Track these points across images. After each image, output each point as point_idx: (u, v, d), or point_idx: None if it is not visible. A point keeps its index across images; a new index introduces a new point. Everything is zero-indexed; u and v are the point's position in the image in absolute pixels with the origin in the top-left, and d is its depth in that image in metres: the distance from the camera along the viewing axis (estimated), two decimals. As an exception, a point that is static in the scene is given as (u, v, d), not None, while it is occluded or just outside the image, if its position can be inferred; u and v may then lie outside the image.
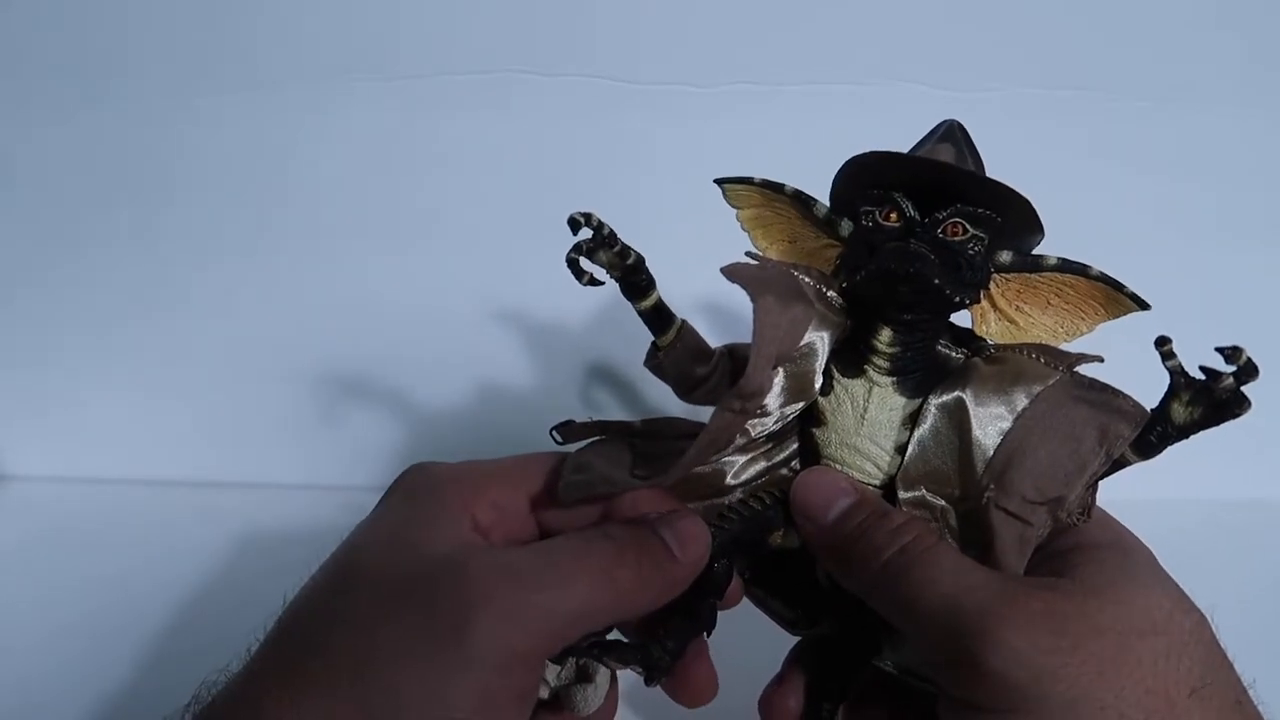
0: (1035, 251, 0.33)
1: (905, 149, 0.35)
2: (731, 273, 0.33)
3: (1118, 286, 0.32)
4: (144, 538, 0.64)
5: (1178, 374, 0.30)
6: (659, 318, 0.33)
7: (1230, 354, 0.28)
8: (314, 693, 0.27)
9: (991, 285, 0.33)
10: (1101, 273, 0.32)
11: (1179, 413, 0.30)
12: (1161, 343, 0.29)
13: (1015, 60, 0.61)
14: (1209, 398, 0.29)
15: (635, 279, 0.32)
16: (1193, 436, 0.30)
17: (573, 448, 0.36)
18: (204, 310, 0.66)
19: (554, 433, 0.35)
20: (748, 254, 0.36)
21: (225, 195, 0.64)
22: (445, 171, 0.63)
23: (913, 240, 0.31)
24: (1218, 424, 0.29)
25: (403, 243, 0.65)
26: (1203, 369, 0.29)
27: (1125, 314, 0.32)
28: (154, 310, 0.66)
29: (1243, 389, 0.28)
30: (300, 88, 0.61)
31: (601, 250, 0.31)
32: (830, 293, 0.35)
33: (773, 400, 0.33)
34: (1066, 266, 0.33)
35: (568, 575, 0.30)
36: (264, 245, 0.65)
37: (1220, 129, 0.63)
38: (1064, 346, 0.34)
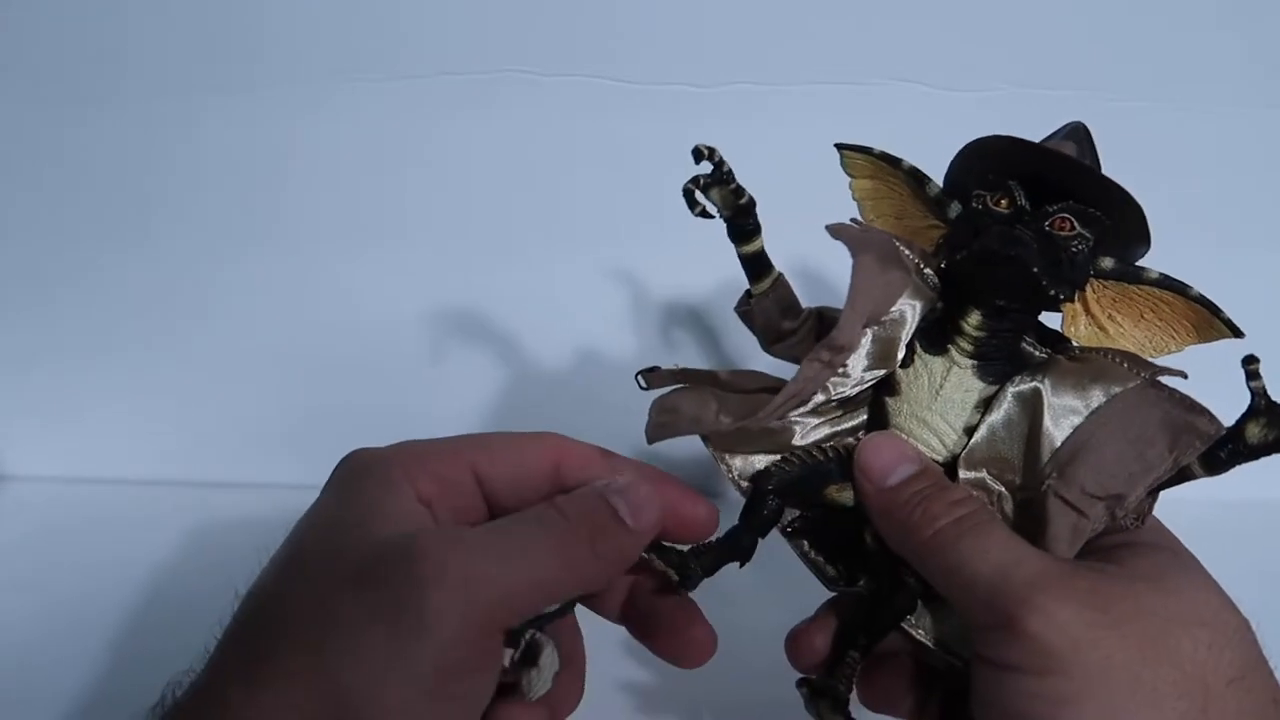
0: (1138, 263, 0.34)
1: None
2: (837, 230, 0.33)
3: (1215, 311, 0.32)
4: (144, 538, 0.64)
5: (1260, 395, 0.30)
6: (758, 264, 0.34)
7: None
8: (276, 678, 0.27)
9: (1088, 289, 0.33)
10: (1201, 295, 0.32)
11: (1254, 433, 0.30)
12: (1249, 361, 0.30)
13: (1015, 60, 0.61)
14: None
15: (744, 221, 0.33)
16: (1262, 459, 0.30)
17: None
18: (204, 310, 0.66)
19: (639, 377, 0.36)
20: (853, 220, 0.36)
21: (225, 196, 0.64)
22: (445, 171, 0.63)
23: (1019, 226, 0.31)
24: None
25: (403, 242, 0.65)
26: None
27: (1216, 339, 0.32)
28: (154, 310, 0.66)
29: None
30: (299, 88, 0.61)
31: (718, 187, 0.32)
32: (927, 270, 0.35)
33: (856, 362, 0.34)
34: (1167, 283, 0.33)
35: (520, 549, 0.30)
36: (263, 246, 0.65)
37: (1220, 129, 0.63)
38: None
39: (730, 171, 0.32)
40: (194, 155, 0.63)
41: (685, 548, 0.35)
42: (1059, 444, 0.32)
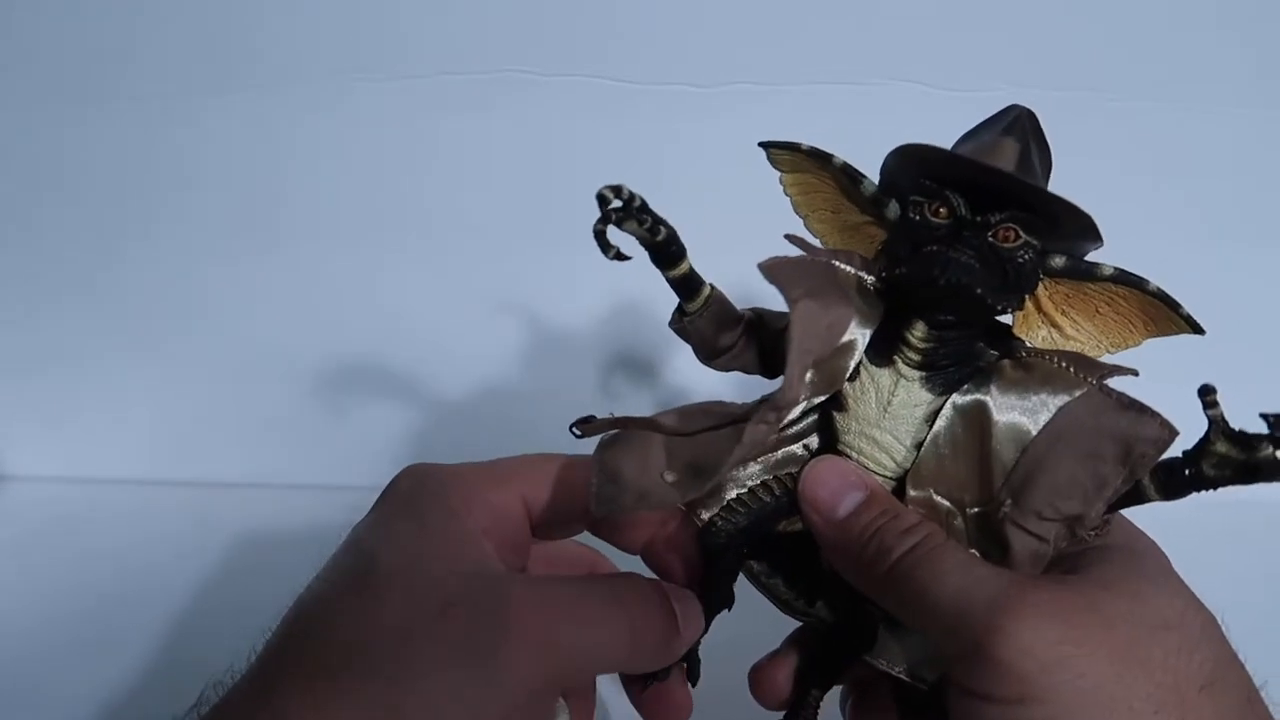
0: (1090, 259, 0.32)
1: (892, 148, 0.35)
2: (770, 270, 0.31)
3: (1174, 306, 0.31)
4: (144, 538, 0.64)
5: (1216, 423, 0.28)
6: (689, 285, 0.32)
7: (1275, 421, 0.27)
8: (342, 697, 0.26)
9: (1040, 288, 0.32)
10: (1159, 289, 0.31)
11: (1210, 466, 0.28)
12: (1205, 392, 0.28)
13: (1015, 60, 0.61)
14: (1244, 459, 0.28)
15: (667, 250, 0.31)
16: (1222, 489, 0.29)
17: (588, 445, 0.35)
18: (204, 311, 0.66)
19: (574, 429, 0.34)
20: (787, 237, 0.34)
21: (226, 196, 0.64)
22: (445, 171, 0.63)
23: (959, 245, 0.30)
24: (1249, 484, 0.28)
25: (403, 242, 0.65)
26: (1241, 432, 0.28)
27: (1175, 334, 0.31)
28: (154, 311, 0.66)
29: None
30: (299, 88, 0.61)
31: (631, 221, 0.30)
32: (869, 277, 0.33)
33: (803, 393, 0.33)
34: (1123, 278, 0.31)
35: (599, 618, 0.30)
36: (264, 245, 0.65)
37: (1221, 129, 0.63)
38: (1105, 358, 0.33)
39: (644, 204, 0.30)
40: (196, 156, 0.63)
41: None
42: (1010, 466, 0.31)
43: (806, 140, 0.34)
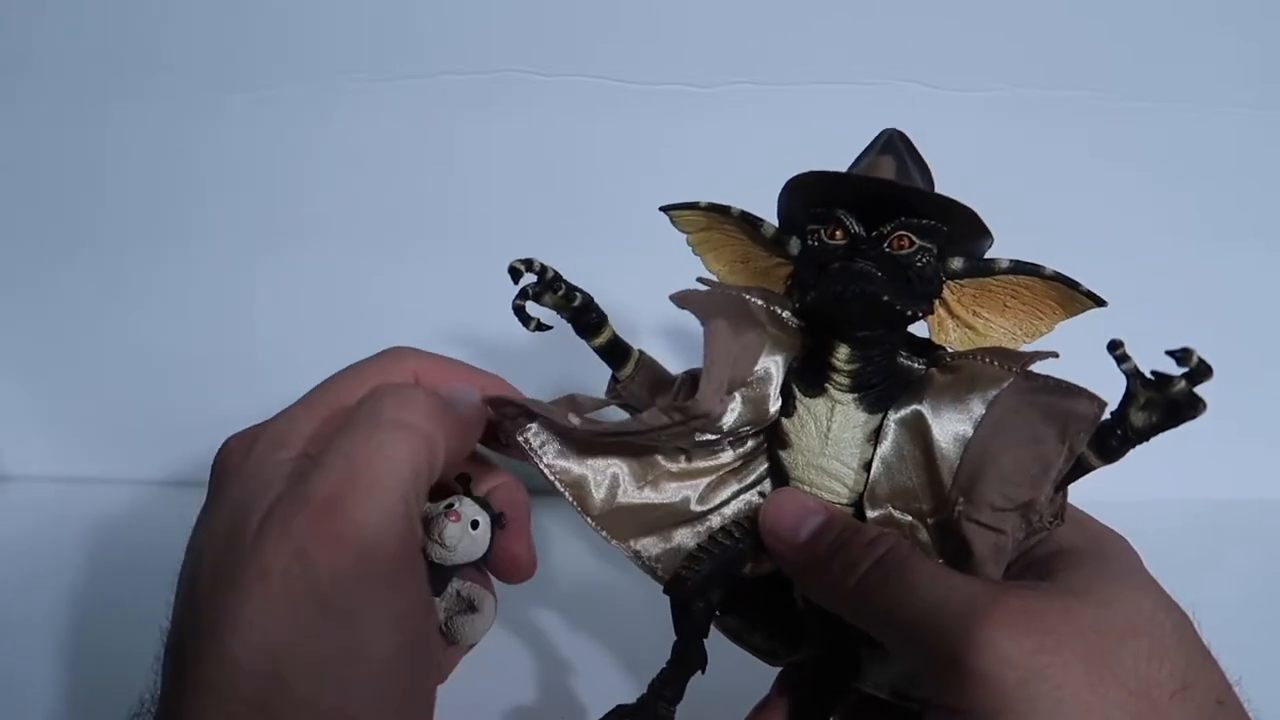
0: (987, 256, 0.33)
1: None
2: (682, 299, 0.33)
3: (1073, 285, 0.32)
4: (144, 538, 0.64)
5: (1133, 377, 0.29)
6: (615, 351, 0.34)
7: (1181, 356, 0.28)
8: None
9: (946, 293, 0.33)
10: (1055, 272, 0.32)
11: (1137, 416, 0.29)
12: (1114, 346, 0.29)
13: (1015, 60, 0.61)
14: (1163, 401, 0.29)
15: (585, 318, 0.33)
16: (1155, 439, 0.29)
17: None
18: (205, 310, 0.66)
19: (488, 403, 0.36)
20: (700, 280, 0.35)
21: (226, 195, 0.64)
22: (445, 171, 0.63)
23: (858, 258, 0.31)
24: (1176, 425, 0.29)
25: (403, 242, 0.65)
26: (1154, 373, 0.28)
27: (1083, 311, 0.32)
28: (155, 310, 0.66)
29: (1196, 390, 0.28)
30: (299, 88, 0.61)
31: (547, 294, 0.32)
32: (785, 313, 0.34)
33: (726, 420, 0.33)
34: (1019, 268, 0.32)
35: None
36: (265, 245, 0.65)
37: (1220, 129, 0.63)
38: (1024, 347, 0.33)
39: (556, 275, 0.32)
40: (197, 156, 0.63)
41: (645, 694, 0.34)
42: (956, 464, 0.31)
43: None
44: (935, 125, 0.63)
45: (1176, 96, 0.62)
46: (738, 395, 0.33)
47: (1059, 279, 0.32)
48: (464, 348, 0.66)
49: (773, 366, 0.33)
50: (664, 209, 0.35)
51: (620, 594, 0.57)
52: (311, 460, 0.31)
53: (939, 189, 0.33)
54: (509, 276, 0.31)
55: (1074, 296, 0.32)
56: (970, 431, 0.31)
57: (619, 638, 0.53)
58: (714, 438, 0.34)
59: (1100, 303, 0.31)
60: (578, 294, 0.32)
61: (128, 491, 0.69)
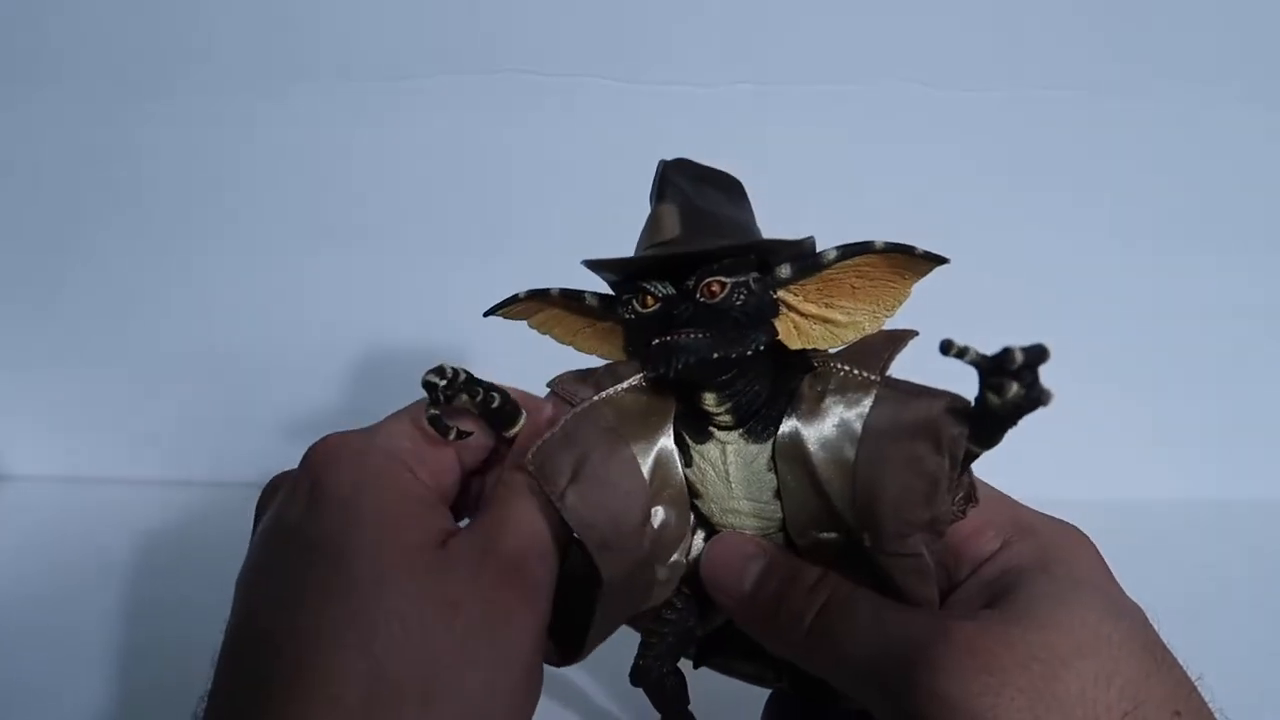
0: (814, 251, 0.32)
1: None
2: (535, 470, 0.30)
3: (909, 250, 0.30)
4: (144, 538, 0.64)
5: (979, 365, 0.27)
6: (503, 411, 0.33)
7: (1004, 358, 0.26)
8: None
9: (789, 296, 0.32)
10: (887, 243, 0.30)
11: (994, 403, 0.27)
12: (946, 347, 0.27)
13: (1015, 60, 0.61)
14: (1001, 379, 0.27)
15: (502, 412, 0.32)
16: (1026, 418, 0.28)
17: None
18: (205, 310, 0.66)
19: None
20: (549, 385, 0.34)
21: (228, 195, 0.64)
22: (445, 171, 0.63)
23: (676, 323, 0.30)
24: (1029, 405, 0.27)
25: (403, 242, 0.65)
26: (994, 360, 0.27)
27: (929, 272, 0.31)
28: (154, 310, 0.67)
29: (1023, 387, 0.26)
30: (298, 88, 0.61)
31: (461, 395, 0.31)
32: (637, 380, 0.33)
33: (670, 529, 0.32)
34: (848, 252, 0.31)
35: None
36: (265, 245, 0.65)
37: (1221, 129, 0.63)
38: (888, 321, 0.32)
39: (469, 377, 0.31)
40: (198, 156, 0.63)
41: None
42: (847, 499, 0.30)
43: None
44: (935, 125, 0.63)
45: (1176, 96, 0.62)
46: (659, 510, 0.32)
47: (892, 249, 0.30)
48: (465, 346, 0.66)
49: (663, 444, 0.32)
50: (488, 313, 0.35)
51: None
52: (475, 511, 0.31)
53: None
54: (424, 391, 0.31)
55: (915, 262, 0.30)
56: (850, 454, 0.30)
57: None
58: (676, 552, 0.32)
59: (941, 260, 0.30)
60: (495, 395, 0.32)
61: (128, 491, 0.69)
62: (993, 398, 0.27)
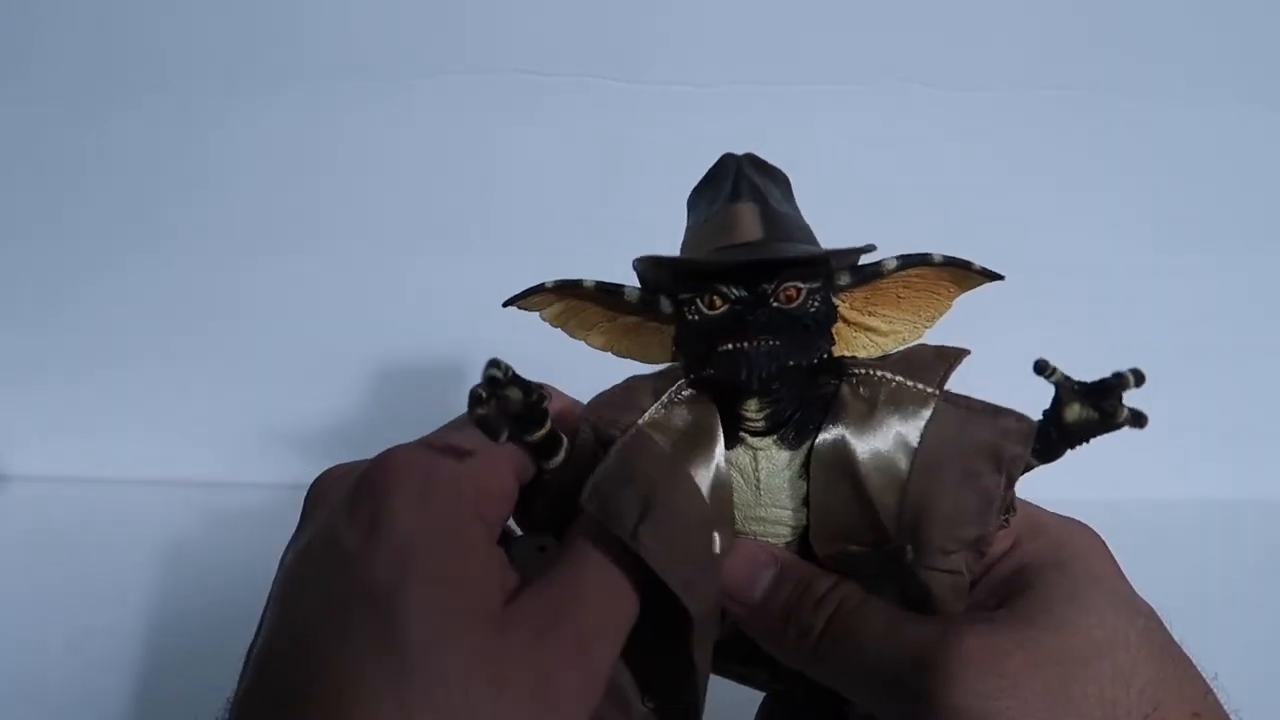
0: (868, 260, 0.31)
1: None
2: (596, 510, 0.28)
3: (966, 265, 0.30)
4: (144, 538, 0.64)
5: (1062, 386, 0.28)
6: (551, 443, 0.30)
7: (1118, 382, 0.27)
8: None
9: (838, 305, 0.31)
10: (945, 257, 0.30)
11: (1074, 415, 0.28)
12: (1041, 368, 0.27)
13: (1015, 60, 0.61)
14: (1100, 412, 0.28)
15: (538, 410, 0.29)
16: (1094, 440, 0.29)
17: None
18: (204, 310, 0.66)
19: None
20: (587, 412, 0.32)
21: (227, 197, 0.64)
22: (446, 171, 0.63)
23: (749, 329, 0.29)
24: (1109, 431, 0.28)
25: (404, 242, 0.65)
26: (1093, 387, 0.28)
27: (976, 287, 0.31)
28: (154, 310, 0.66)
29: (1127, 404, 0.27)
30: (298, 88, 0.61)
31: (512, 389, 0.28)
32: (673, 391, 0.31)
33: (725, 546, 0.31)
34: (907, 263, 0.31)
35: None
36: (265, 246, 0.65)
37: (1221, 129, 0.63)
38: (927, 333, 0.32)
39: (507, 370, 0.28)
40: (198, 158, 0.63)
41: None
42: (895, 509, 0.29)
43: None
44: (935, 125, 0.63)
45: (1177, 96, 0.62)
46: (715, 536, 0.30)
47: (951, 263, 0.30)
48: (466, 347, 0.66)
49: (715, 467, 0.31)
50: (508, 303, 0.33)
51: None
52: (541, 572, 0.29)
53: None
54: (486, 385, 0.27)
55: (967, 275, 0.31)
56: (903, 470, 0.29)
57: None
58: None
59: (996, 276, 0.30)
60: (533, 388, 0.28)
61: (128, 491, 0.69)
62: (1071, 418, 0.28)
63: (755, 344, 0.29)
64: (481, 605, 0.27)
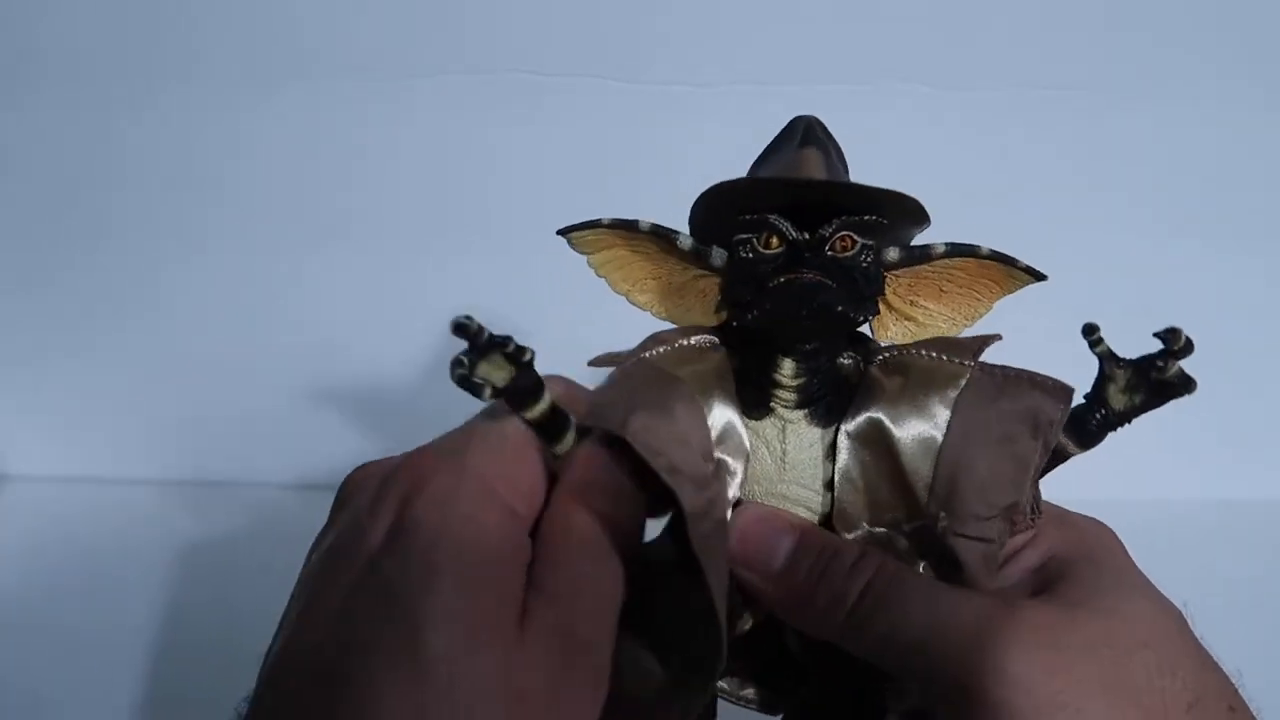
0: (919, 242, 0.31)
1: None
2: (590, 419, 0.28)
3: (1011, 262, 0.30)
4: (144, 538, 0.64)
5: (1107, 359, 0.28)
6: (555, 422, 0.29)
7: (1169, 337, 0.27)
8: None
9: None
10: (992, 251, 0.30)
11: (1117, 399, 0.28)
12: (1089, 331, 0.28)
13: (1015, 60, 0.61)
14: (1151, 382, 0.28)
15: (525, 382, 0.28)
16: (1145, 435, 0.29)
17: None
18: (204, 310, 0.66)
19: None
20: (592, 363, 0.32)
21: (227, 195, 0.64)
22: (445, 171, 0.63)
23: (804, 269, 0.28)
24: (1161, 405, 0.28)
25: (402, 242, 0.65)
26: (1139, 360, 0.28)
27: (1021, 288, 0.31)
28: (154, 310, 0.66)
29: (1185, 371, 0.27)
30: (298, 88, 0.61)
31: (495, 351, 0.27)
32: (706, 344, 0.31)
33: (732, 490, 0.30)
34: (956, 250, 0.30)
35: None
36: (265, 245, 0.65)
37: (1221, 129, 0.63)
38: (964, 331, 0.32)
39: (489, 336, 0.27)
40: (197, 155, 0.63)
41: None
42: (930, 477, 0.29)
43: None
44: (935, 125, 0.63)
45: (1176, 96, 0.62)
46: (719, 455, 0.29)
47: (996, 257, 0.30)
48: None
49: (717, 409, 0.30)
50: (561, 232, 0.33)
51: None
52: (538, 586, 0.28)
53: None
54: (457, 334, 0.27)
55: (1012, 273, 0.30)
56: (938, 437, 0.29)
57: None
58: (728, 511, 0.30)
59: (1040, 277, 0.30)
60: (527, 350, 0.27)
61: (128, 491, 0.69)
62: (1116, 395, 0.28)
63: (813, 276, 0.28)
64: (502, 617, 0.26)
